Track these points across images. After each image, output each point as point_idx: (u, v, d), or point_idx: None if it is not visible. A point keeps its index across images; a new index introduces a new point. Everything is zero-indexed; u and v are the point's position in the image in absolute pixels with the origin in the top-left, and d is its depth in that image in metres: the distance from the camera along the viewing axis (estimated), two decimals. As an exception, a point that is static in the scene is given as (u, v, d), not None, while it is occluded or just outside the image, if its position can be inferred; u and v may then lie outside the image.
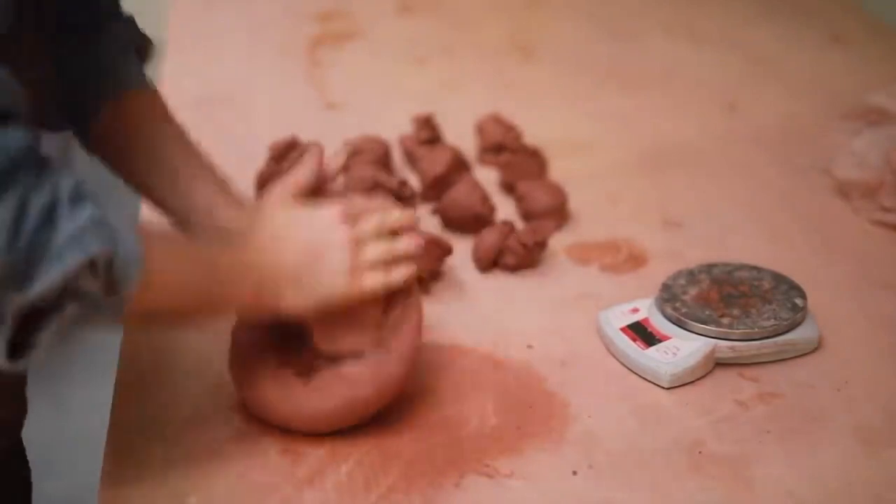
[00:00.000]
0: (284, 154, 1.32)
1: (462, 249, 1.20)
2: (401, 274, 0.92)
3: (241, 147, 1.43)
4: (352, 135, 1.40)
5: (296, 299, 0.88)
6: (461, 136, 1.44)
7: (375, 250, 0.91)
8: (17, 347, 0.70)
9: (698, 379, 1.02)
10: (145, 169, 1.00)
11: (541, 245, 1.19)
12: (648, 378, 1.01)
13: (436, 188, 1.31)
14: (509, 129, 1.42)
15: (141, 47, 1.06)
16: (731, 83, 1.71)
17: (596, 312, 1.10)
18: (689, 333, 1.04)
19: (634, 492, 0.89)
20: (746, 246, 1.25)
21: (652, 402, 0.99)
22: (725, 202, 1.35)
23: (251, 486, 0.89)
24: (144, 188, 1.02)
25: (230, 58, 1.78)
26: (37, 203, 0.68)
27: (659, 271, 1.15)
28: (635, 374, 1.03)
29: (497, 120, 1.44)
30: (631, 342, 1.04)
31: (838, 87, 1.66)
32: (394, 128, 1.46)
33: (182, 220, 0.99)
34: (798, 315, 1.05)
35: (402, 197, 1.21)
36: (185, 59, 1.74)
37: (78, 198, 0.70)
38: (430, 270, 1.15)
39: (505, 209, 1.30)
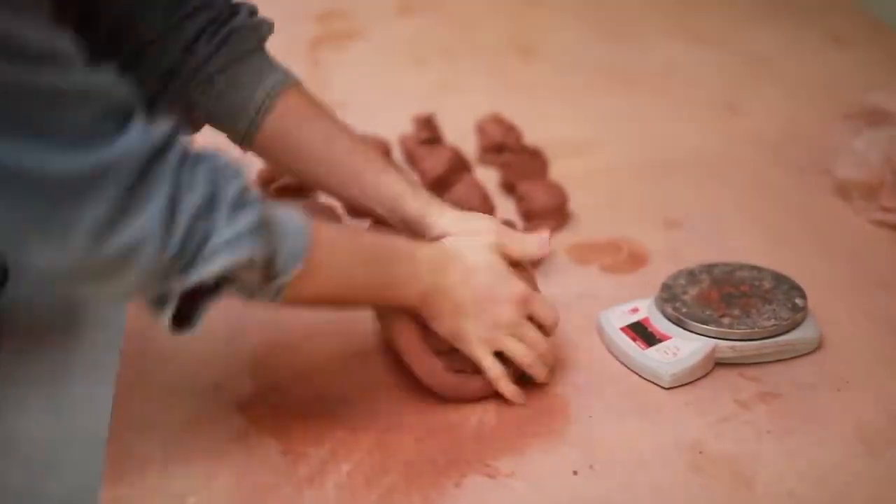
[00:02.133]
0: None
1: (462, 249, 1.19)
2: (505, 388, 0.98)
3: (241, 147, 1.43)
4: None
5: (443, 326, 0.95)
6: (461, 136, 1.44)
7: (515, 346, 0.97)
8: (180, 318, 0.79)
9: (698, 379, 1.02)
10: (324, 171, 1.03)
11: (541, 245, 1.19)
12: (649, 378, 1.01)
13: (436, 188, 1.31)
14: (509, 129, 1.42)
15: (261, 34, 1.08)
16: (731, 83, 1.71)
17: (596, 312, 1.10)
18: (689, 333, 1.04)
19: (634, 492, 0.89)
20: (746, 246, 1.25)
21: (652, 402, 0.99)
22: (725, 202, 1.35)
23: (251, 486, 0.89)
24: (323, 186, 1.06)
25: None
26: (189, 201, 0.74)
27: (659, 271, 1.15)
28: (635, 373, 1.03)
29: (497, 120, 1.44)
30: (631, 342, 1.04)
31: (838, 87, 1.66)
32: (394, 128, 1.46)
33: (367, 211, 1.04)
34: (798, 315, 1.05)
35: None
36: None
37: (240, 204, 0.77)
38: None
39: (505, 209, 1.30)
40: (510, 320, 0.95)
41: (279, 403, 0.99)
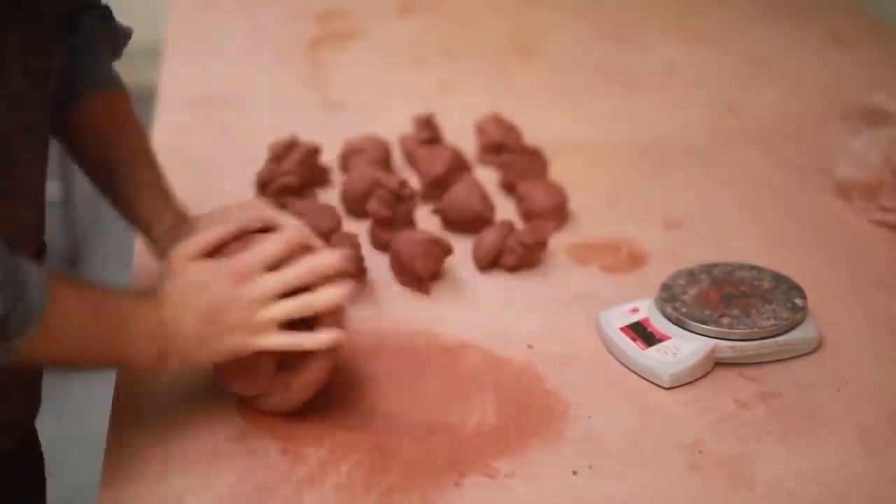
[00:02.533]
0: (284, 154, 1.32)
1: (462, 249, 1.19)
2: (312, 340, 0.92)
3: (241, 147, 1.43)
4: (352, 135, 1.40)
5: (202, 357, 0.90)
6: (461, 136, 1.44)
7: (275, 310, 0.90)
8: None
9: (698, 379, 1.02)
10: (102, 172, 1.04)
11: (541, 245, 1.19)
12: (648, 378, 1.01)
13: (436, 188, 1.31)
14: (509, 129, 1.42)
15: (115, 39, 1.07)
16: (730, 83, 1.71)
17: (596, 312, 1.09)
18: (689, 333, 1.04)
19: (634, 492, 0.89)
20: (746, 246, 1.25)
21: (652, 402, 0.99)
22: (725, 202, 1.35)
23: (251, 486, 0.89)
24: (100, 188, 1.05)
25: (230, 58, 1.78)
26: None
27: (659, 271, 1.15)
28: (635, 373, 1.03)
29: (497, 120, 1.44)
30: (631, 342, 1.04)
31: (838, 87, 1.66)
32: (394, 128, 1.45)
33: (130, 223, 1.05)
34: (798, 315, 1.05)
35: (402, 197, 1.21)
36: (185, 59, 1.74)
37: None
38: (430, 270, 1.15)
39: (505, 209, 1.30)
40: (248, 301, 0.90)
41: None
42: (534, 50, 1.84)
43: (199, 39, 1.82)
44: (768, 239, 1.27)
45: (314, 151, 1.34)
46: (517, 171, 1.35)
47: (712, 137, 1.53)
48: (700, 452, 0.93)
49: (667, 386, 1.00)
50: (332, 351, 0.93)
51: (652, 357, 1.02)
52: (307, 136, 1.36)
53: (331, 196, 1.33)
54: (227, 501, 0.88)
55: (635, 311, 1.08)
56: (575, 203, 1.31)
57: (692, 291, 1.08)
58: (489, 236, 1.19)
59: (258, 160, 1.32)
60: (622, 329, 1.05)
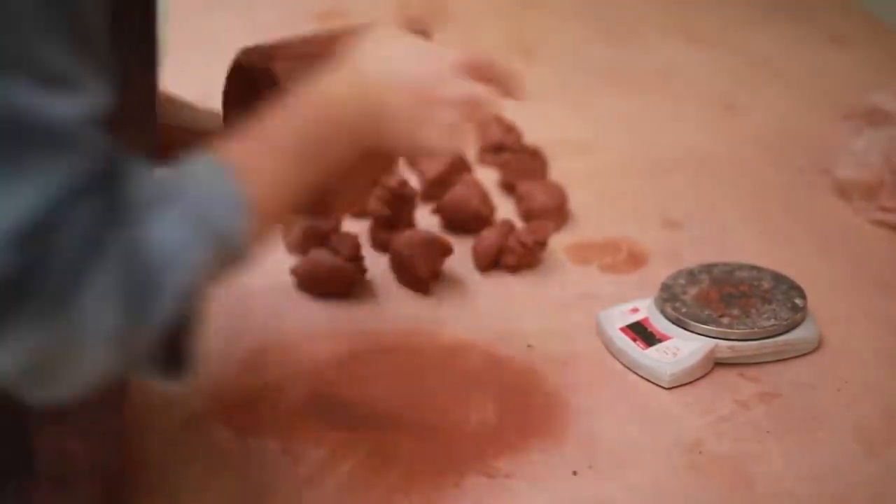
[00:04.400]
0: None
1: (462, 249, 1.19)
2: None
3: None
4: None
5: (392, 140, 0.81)
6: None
7: (455, 113, 0.81)
8: (175, 361, 0.67)
9: (698, 379, 1.02)
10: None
11: (541, 245, 1.19)
12: (648, 378, 1.01)
13: (436, 188, 1.30)
14: (509, 129, 1.42)
15: None
16: (730, 83, 1.71)
17: (596, 312, 1.09)
18: (689, 333, 1.04)
19: (634, 492, 0.89)
20: (746, 246, 1.25)
21: (652, 402, 0.99)
22: (725, 202, 1.35)
23: (251, 486, 0.89)
24: None
25: (230, 58, 1.78)
26: (118, 255, 0.60)
27: (659, 271, 1.15)
28: (635, 373, 1.03)
29: (497, 120, 1.44)
30: (631, 342, 1.04)
31: (838, 87, 1.66)
32: (394, 128, 1.45)
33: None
34: (798, 315, 1.05)
35: (403, 197, 1.21)
36: (185, 59, 1.74)
37: (155, 215, 0.63)
38: (430, 270, 1.15)
39: (505, 209, 1.30)
40: (459, 105, 0.81)
41: (279, 403, 0.99)
42: (534, 51, 1.84)
43: (199, 39, 1.82)
44: (768, 239, 1.27)
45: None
46: (517, 171, 1.35)
47: (712, 137, 1.53)
48: (700, 452, 0.93)
49: (667, 386, 1.00)
50: None
51: (652, 357, 1.02)
52: (307, 136, 1.36)
53: (331, 196, 1.32)
54: (227, 501, 0.88)
55: (635, 311, 1.08)
56: (575, 203, 1.31)
57: (692, 291, 1.08)
58: (489, 236, 1.19)
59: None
60: (622, 329, 1.05)
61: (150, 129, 0.86)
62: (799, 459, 0.92)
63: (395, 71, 0.80)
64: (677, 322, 1.05)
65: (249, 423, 0.95)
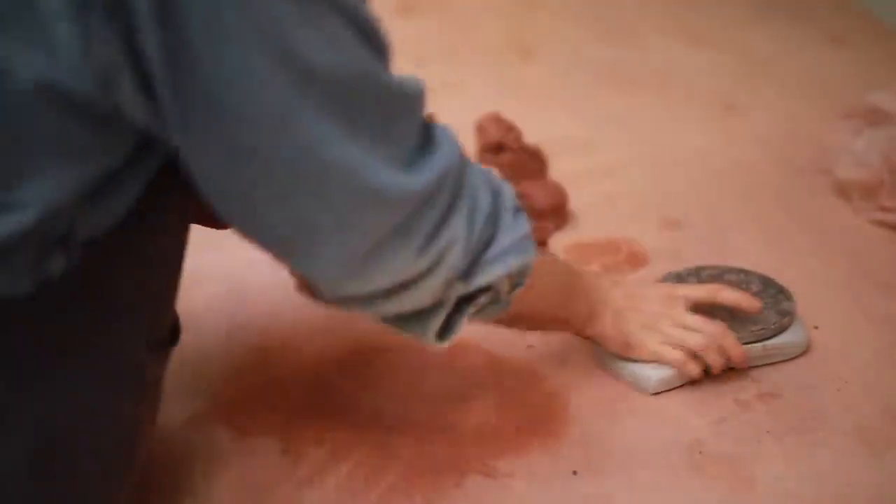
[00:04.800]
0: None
1: (462, 249, 1.19)
2: (692, 367, 0.99)
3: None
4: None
5: (612, 339, 0.99)
6: (461, 136, 1.43)
7: (683, 333, 0.99)
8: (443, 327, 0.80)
9: (686, 384, 1.01)
10: None
11: (541, 245, 1.19)
12: (633, 385, 1.00)
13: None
14: (509, 128, 1.42)
15: None
16: (730, 83, 1.71)
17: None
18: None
19: (634, 492, 0.89)
20: (746, 246, 1.25)
21: (652, 402, 0.99)
22: (725, 202, 1.35)
23: (251, 486, 0.89)
24: None
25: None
26: (483, 206, 0.77)
27: (658, 271, 1.14)
28: (622, 379, 1.01)
29: (497, 120, 1.44)
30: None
31: (838, 87, 1.66)
32: (394, 128, 1.45)
33: None
34: (786, 319, 1.04)
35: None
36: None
37: (517, 209, 0.81)
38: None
39: (505, 209, 1.30)
40: (667, 308, 0.99)
41: (279, 403, 0.99)
42: (534, 50, 1.84)
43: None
44: (768, 239, 1.27)
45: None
46: (517, 171, 1.35)
47: (712, 138, 1.53)
48: (700, 452, 0.93)
49: (651, 392, 0.99)
50: None
51: (636, 365, 1.00)
52: (307, 136, 1.36)
53: (331, 196, 1.32)
54: (227, 501, 0.88)
55: None
56: (575, 203, 1.31)
57: None
58: (489, 236, 1.19)
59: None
60: None
61: None
62: (799, 459, 0.92)
63: (620, 284, 1.02)
64: None
65: (249, 423, 0.95)
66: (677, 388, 1.00)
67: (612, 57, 1.81)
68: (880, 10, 1.95)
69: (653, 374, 0.99)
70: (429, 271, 0.74)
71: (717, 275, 1.10)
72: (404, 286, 0.74)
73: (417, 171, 0.70)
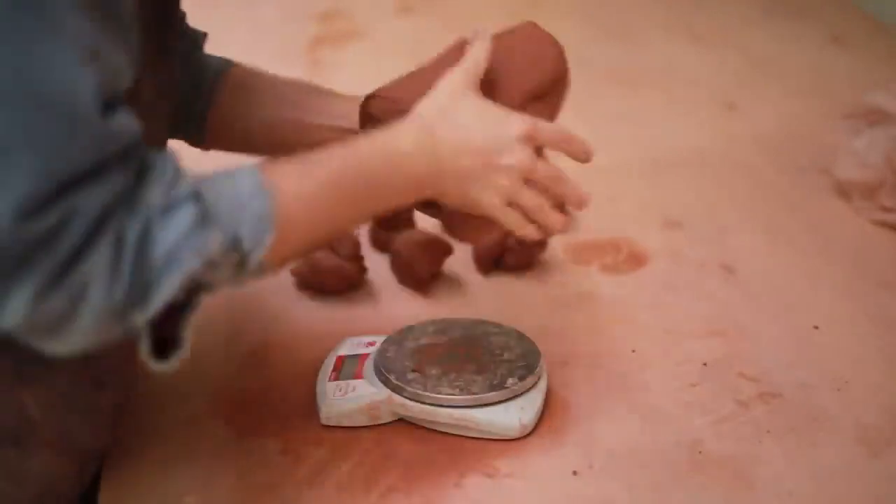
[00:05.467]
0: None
1: (462, 249, 1.19)
2: (529, 230, 0.89)
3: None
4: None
5: (450, 197, 0.87)
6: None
7: (533, 199, 0.88)
8: (164, 345, 0.72)
9: (686, 384, 0.99)
10: (272, 128, 1.01)
11: (541, 245, 1.19)
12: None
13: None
14: (509, 129, 1.42)
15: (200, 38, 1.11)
16: (730, 83, 1.71)
17: (597, 312, 1.09)
18: (375, 379, 0.96)
19: (634, 492, 0.89)
20: (746, 246, 1.25)
21: (652, 402, 0.99)
22: (725, 202, 1.35)
23: (251, 486, 0.89)
24: (280, 138, 1.01)
25: (230, 57, 1.78)
26: (130, 235, 0.66)
27: (658, 271, 1.15)
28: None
29: (497, 120, 1.44)
30: (328, 370, 0.99)
31: (838, 87, 1.66)
32: (394, 128, 1.45)
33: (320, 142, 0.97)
34: (493, 394, 0.94)
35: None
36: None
37: (170, 208, 0.68)
38: (430, 270, 1.15)
39: (505, 209, 1.30)
40: (518, 171, 0.86)
41: (279, 403, 0.99)
42: (534, 50, 1.84)
43: (199, 39, 1.82)
44: (768, 239, 1.27)
45: (314, 151, 1.34)
46: (517, 171, 1.35)
47: (712, 137, 1.53)
48: (700, 452, 0.93)
49: (322, 422, 0.94)
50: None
51: (325, 390, 0.96)
52: (307, 136, 1.36)
53: (331, 196, 1.32)
54: (227, 501, 0.88)
55: (371, 344, 1.01)
56: (575, 203, 1.30)
57: (424, 340, 1.00)
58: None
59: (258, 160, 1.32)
60: (339, 357, 1.00)
61: (163, 118, 0.87)
62: (799, 459, 0.92)
63: (463, 136, 0.85)
64: (375, 364, 0.98)
65: (249, 423, 0.95)
66: (677, 388, 1.00)
67: (612, 56, 1.81)
68: (880, 10, 1.95)
69: (326, 407, 0.95)
70: (65, 318, 0.64)
71: (488, 335, 1.02)
72: (50, 331, 0.65)
73: (32, 216, 0.62)
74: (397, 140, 0.84)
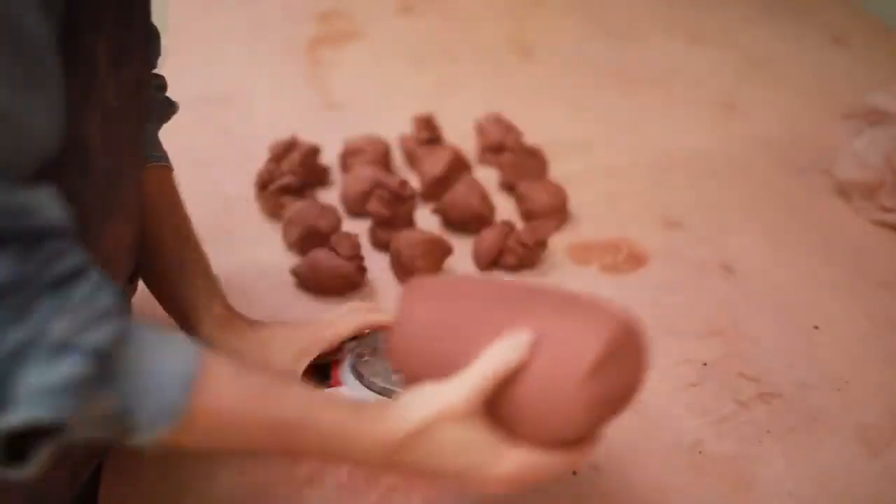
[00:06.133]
0: (284, 154, 1.32)
1: (462, 249, 1.19)
2: None
3: (241, 147, 1.43)
4: (352, 135, 1.40)
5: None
6: (461, 136, 1.44)
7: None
8: (19, 452, 0.63)
9: (686, 384, 1.01)
10: (146, 250, 0.94)
11: (541, 245, 1.19)
12: None
13: (436, 188, 1.31)
14: (509, 129, 1.42)
15: (165, 111, 1.03)
16: (730, 83, 1.71)
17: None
18: (357, 384, 0.94)
19: (634, 492, 0.89)
20: (746, 246, 1.25)
21: (652, 403, 0.99)
22: (725, 202, 1.36)
23: (251, 486, 0.89)
24: (140, 266, 0.95)
25: (230, 58, 1.78)
26: (11, 337, 0.59)
27: (658, 271, 1.14)
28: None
29: (497, 120, 1.44)
30: (307, 377, 0.94)
31: (838, 87, 1.66)
32: (394, 128, 1.46)
33: (169, 307, 0.96)
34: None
35: (402, 197, 1.21)
36: (185, 59, 1.74)
37: (63, 348, 0.60)
38: (430, 270, 1.15)
39: (505, 209, 1.30)
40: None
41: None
42: (534, 50, 1.84)
43: (199, 39, 1.82)
44: (768, 239, 1.27)
45: (314, 151, 1.34)
46: (517, 171, 1.35)
47: (712, 137, 1.53)
48: (700, 452, 0.93)
49: None
50: None
51: None
52: (307, 136, 1.36)
53: (331, 196, 1.33)
54: (227, 501, 0.88)
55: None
56: (575, 203, 1.31)
57: None
58: (489, 236, 1.19)
59: (258, 160, 1.32)
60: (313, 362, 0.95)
61: (132, 118, 0.84)
62: (799, 459, 0.92)
63: (432, 464, 0.72)
64: (354, 369, 0.95)
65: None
66: (677, 388, 1.00)
67: (612, 56, 1.81)
68: (880, 9, 1.95)
69: None
70: None
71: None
72: None
73: None
74: (360, 433, 0.71)
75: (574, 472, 0.90)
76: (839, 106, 1.52)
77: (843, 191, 1.34)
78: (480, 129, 1.45)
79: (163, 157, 1.01)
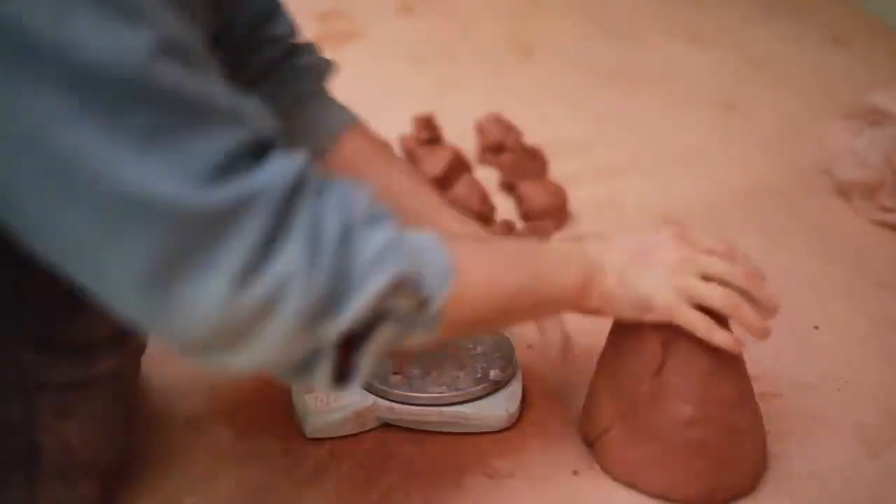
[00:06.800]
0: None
1: (462, 249, 1.19)
2: (721, 337, 0.85)
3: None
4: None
5: (620, 297, 0.85)
6: (461, 136, 1.44)
7: (725, 299, 0.85)
8: (339, 371, 0.67)
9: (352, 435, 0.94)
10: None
11: (541, 245, 1.19)
12: (300, 424, 0.94)
13: (436, 188, 1.30)
14: (509, 129, 1.42)
15: (330, 74, 1.04)
16: (730, 83, 1.71)
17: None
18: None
19: (634, 492, 0.89)
20: (746, 246, 1.24)
21: (652, 402, 0.99)
22: (725, 202, 1.35)
23: (251, 486, 0.89)
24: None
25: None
26: (330, 230, 0.63)
27: (659, 271, 1.14)
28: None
29: (497, 120, 1.44)
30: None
31: (838, 87, 1.66)
32: (394, 128, 1.45)
33: None
34: (480, 388, 0.94)
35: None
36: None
37: (372, 219, 0.66)
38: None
39: (505, 209, 1.30)
40: (682, 256, 0.86)
41: (279, 403, 0.98)
42: (534, 50, 1.84)
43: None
44: (768, 239, 1.27)
45: (314, 151, 1.34)
46: (517, 171, 1.35)
47: (712, 137, 1.53)
48: (700, 452, 0.93)
49: (308, 435, 0.92)
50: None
51: (304, 402, 0.93)
52: (307, 136, 1.36)
53: (331, 196, 1.33)
54: (227, 501, 0.88)
55: None
56: (575, 203, 1.31)
57: None
58: (489, 236, 1.19)
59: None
60: None
61: None
62: (799, 459, 0.92)
63: (613, 243, 0.89)
64: None
65: (249, 423, 0.95)
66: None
67: (612, 57, 1.81)
68: (880, 10, 1.95)
69: (312, 420, 0.92)
70: (264, 314, 0.61)
71: None
72: (240, 333, 0.61)
73: (213, 189, 0.59)
74: (554, 244, 0.92)
75: (574, 472, 0.91)
76: (839, 106, 1.52)
77: (843, 191, 1.34)
78: (480, 129, 1.45)
79: (343, 118, 1.04)
